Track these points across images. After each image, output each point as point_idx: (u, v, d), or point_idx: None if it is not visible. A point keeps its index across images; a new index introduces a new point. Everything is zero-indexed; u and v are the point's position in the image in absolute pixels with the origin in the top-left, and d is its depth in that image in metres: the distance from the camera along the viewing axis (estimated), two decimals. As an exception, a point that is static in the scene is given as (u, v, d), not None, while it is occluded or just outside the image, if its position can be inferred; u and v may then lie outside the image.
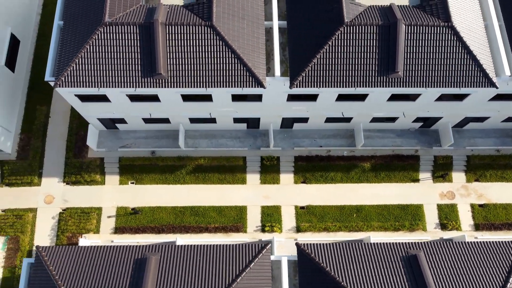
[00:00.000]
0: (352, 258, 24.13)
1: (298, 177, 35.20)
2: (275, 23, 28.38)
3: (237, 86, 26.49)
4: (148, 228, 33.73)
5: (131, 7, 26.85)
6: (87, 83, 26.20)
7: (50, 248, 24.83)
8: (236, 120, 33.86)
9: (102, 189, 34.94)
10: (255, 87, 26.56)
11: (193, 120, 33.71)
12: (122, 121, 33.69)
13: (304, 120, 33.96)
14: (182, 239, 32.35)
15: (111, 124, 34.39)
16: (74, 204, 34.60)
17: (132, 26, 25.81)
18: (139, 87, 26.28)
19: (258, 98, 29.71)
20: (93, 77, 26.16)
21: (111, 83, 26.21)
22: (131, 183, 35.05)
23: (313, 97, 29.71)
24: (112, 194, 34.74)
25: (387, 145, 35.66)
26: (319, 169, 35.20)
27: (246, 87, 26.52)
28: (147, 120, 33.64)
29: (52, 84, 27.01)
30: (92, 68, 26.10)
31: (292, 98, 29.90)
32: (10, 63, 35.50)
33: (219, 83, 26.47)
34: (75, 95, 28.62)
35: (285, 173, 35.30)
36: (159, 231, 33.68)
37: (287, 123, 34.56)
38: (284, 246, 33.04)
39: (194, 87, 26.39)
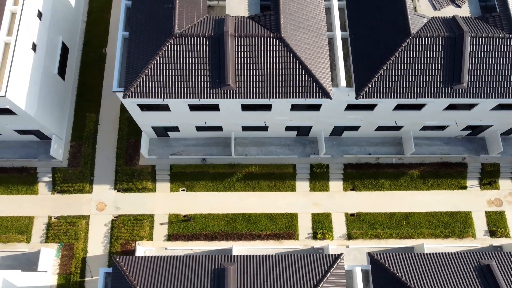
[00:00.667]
0: (424, 267, 24.42)
1: (347, 184, 35.51)
2: (338, 34, 28.72)
3: (304, 97, 26.82)
4: (201, 235, 34.03)
5: (198, 18, 27.15)
6: (156, 94, 26.51)
7: (126, 258, 25.12)
8: (288, 128, 34.15)
9: (153, 196, 35.24)
10: (321, 97, 26.88)
11: (245, 128, 34.02)
12: (175, 129, 33.99)
13: (355, 128, 34.29)
14: (238, 247, 32.62)
15: (163, 132, 34.69)
16: (126, 211, 34.90)
17: (202, 38, 26.11)
18: (208, 97, 26.59)
19: (316, 107, 30.03)
20: (162, 88, 26.46)
21: (180, 94, 26.52)
22: (181, 190, 35.36)
23: (370, 107, 30.03)
24: (163, 201, 35.04)
25: (435, 152, 35.97)
26: (368, 176, 35.51)
27: (313, 98, 26.85)
28: (199, 128, 33.93)
29: (120, 95, 27.30)
30: (161, 79, 26.39)
31: (350, 107, 30.21)
32: (61, 71, 35.82)
33: (286, 94, 26.79)
34: (137, 105, 28.92)
35: (334, 180, 35.61)
36: (212, 238, 33.98)
37: (337, 131, 34.88)
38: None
39: (262, 97, 26.70)
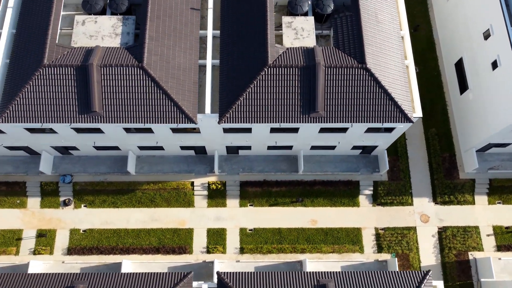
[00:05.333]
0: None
1: None
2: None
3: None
4: (529, 245, 35.94)
5: None
6: None
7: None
8: None
9: (472, 208, 37.03)
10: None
11: None
12: (502, 145, 35.81)
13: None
14: None
15: (487, 147, 36.49)
16: (451, 223, 36.65)
17: None
18: None
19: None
20: None
21: None
22: (497, 203, 37.16)
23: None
24: (483, 213, 36.82)
25: None
26: None
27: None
28: (524, 145, 35.79)
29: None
30: None
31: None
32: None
33: None
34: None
35: None
36: (541, 249, 35.87)
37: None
38: None
39: None
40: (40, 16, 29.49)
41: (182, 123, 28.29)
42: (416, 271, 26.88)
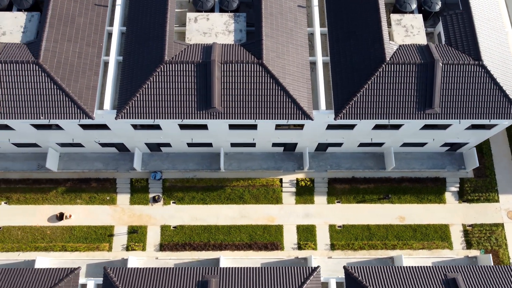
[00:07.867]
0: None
1: None
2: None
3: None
4: None
5: None
6: None
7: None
8: None
9: (559, 205, 37.40)
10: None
11: None
12: None
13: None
14: None
15: None
16: (539, 220, 37.01)
17: None
18: None
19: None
20: None
21: None
22: None
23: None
24: None
25: None
26: None
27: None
28: None
29: None
30: None
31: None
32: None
33: None
34: None
35: None
36: None
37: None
38: None
39: None
40: (154, 14, 29.70)
41: (299, 119, 28.54)
42: (538, 265, 27.23)
